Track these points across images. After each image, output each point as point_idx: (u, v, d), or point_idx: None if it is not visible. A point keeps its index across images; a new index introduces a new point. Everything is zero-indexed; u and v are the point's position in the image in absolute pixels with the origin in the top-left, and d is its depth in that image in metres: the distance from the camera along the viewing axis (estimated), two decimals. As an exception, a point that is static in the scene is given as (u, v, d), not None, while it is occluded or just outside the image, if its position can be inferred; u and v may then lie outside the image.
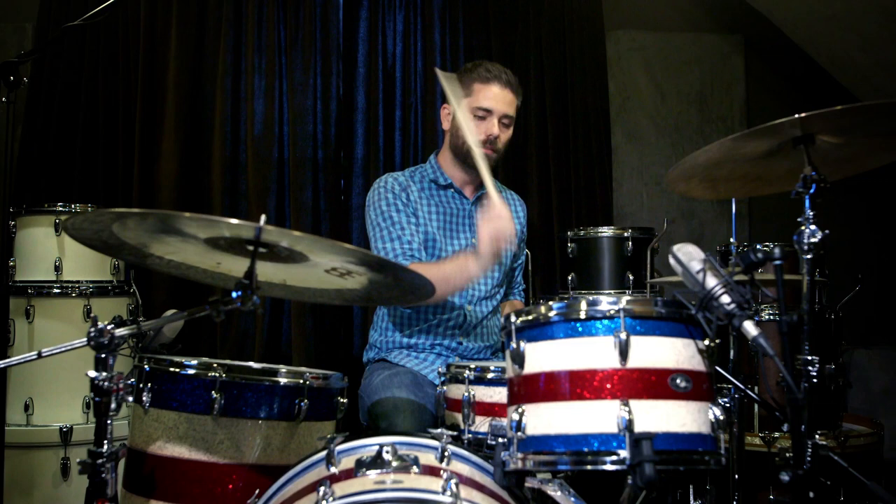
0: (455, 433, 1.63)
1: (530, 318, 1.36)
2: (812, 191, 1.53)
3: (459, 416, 1.75)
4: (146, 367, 1.64)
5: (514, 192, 2.59)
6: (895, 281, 4.09)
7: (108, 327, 1.34)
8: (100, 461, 1.35)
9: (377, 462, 1.31)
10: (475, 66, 2.35)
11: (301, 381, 1.63)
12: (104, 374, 1.34)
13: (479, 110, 2.28)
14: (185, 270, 1.63)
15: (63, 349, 1.41)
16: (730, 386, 1.92)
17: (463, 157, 2.33)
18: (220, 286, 1.66)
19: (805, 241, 1.50)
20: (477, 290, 2.37)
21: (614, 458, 1.23)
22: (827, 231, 1.50)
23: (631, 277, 2.95)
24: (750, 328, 1.25)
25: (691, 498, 2.08)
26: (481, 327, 2.38)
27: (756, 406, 2.58)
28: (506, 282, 2.48)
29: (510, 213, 1.94)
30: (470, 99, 2.30)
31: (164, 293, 3.39)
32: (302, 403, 1.62)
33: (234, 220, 1.27)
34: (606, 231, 3.03)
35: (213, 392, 1.57)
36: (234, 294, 1.31)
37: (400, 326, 2.36)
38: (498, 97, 2.29)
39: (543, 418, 1.30)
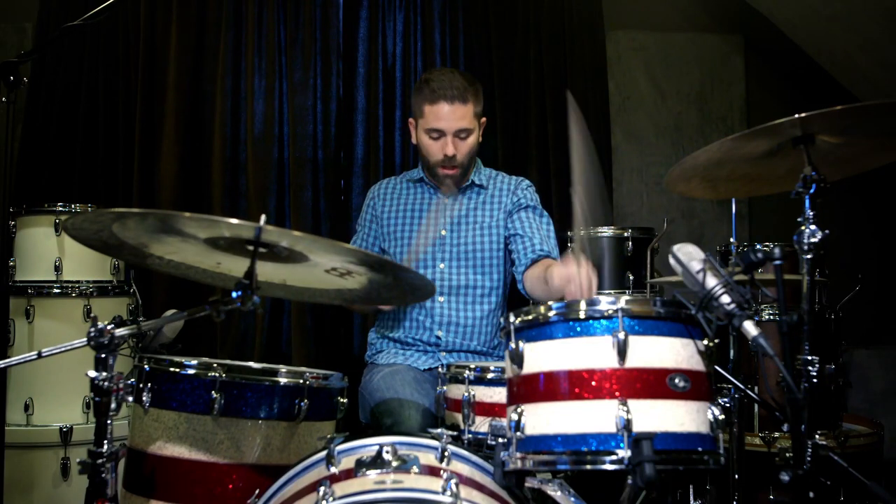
0: (455, 433, 1.64)
1: (529, 317, 1.35)
2: (812, 191, 1.52)
3: (459, 416, 1.75)
4: (146, 367, 1.64)
5: (511, 176, 2.52)
6: (895, 281, 4.08)
7: (108, 327, 1.34)
8: (100, 461, 1.35)
9: (377, 462, 1.31)
10: (422, 85, 2.31)
11: (301, 381, 1.64)
12: (104, 374, 1.34)
13: (432, 132, 2.30)
14: (185, 270, 1.63)
15: (63, 349, 1.41)
16: (730, 386, 1.93)
17: (430, 172, 2.41)
18: (220, 286, 1.66)
19: (805, 241, 1.50)
20: (447, 280, 2.34)
21: (613, 457, 1.23)
22: (827, 231, 1.50)
23: (631, 277, 2.95)
24: (750, 328, 1.25)
25: (691, 498, 2.09)
26: (463, 325, 2.33)
27: (756, 406, 2.59)
28: (499, 278, 2.41)
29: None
30: (422, 120, 2.31)
31: (164, 293, 3.39)
32: (302, 403, 1.63)
33: (234, 220, 1.27)
34: (606, 231, 3.02)
35: (213, 392, 1.57)
36: (234, 294, 1.31)
37: (385, 321, 2.41)
38: (447, 115, 2.26)
39: (542, 418, 1.30)
